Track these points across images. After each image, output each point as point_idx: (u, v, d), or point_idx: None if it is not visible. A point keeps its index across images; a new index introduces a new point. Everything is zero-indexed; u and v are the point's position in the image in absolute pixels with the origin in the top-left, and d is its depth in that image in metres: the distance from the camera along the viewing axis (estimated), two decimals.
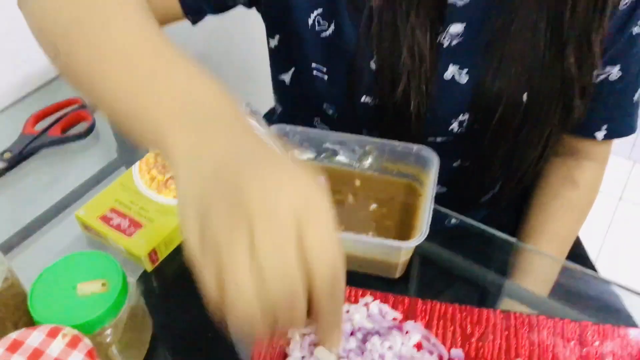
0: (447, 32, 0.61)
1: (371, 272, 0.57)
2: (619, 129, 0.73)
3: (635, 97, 0.71)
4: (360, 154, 0.62)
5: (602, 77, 0.68)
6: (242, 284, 0.33)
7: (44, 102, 0.74)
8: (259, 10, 0.67)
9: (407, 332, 0.51)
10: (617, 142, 0.76)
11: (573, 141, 0.75)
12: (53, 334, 0.41)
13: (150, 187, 0.63)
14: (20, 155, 0.69)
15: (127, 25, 0.44)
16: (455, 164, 0.72)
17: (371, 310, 0.52)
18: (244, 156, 0.36)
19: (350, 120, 0.68)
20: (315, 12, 0.62)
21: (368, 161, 0.62)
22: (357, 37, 0.61)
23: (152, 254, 0.57)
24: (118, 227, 0.59)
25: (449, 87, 0.63)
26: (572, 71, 0.62)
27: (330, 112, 0.69)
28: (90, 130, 0.73)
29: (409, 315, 0.53)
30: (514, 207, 0.83)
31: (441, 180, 0.74)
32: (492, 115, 0.64)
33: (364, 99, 0.64)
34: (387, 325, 0.51)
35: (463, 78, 0.63)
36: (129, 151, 0.71)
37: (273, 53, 0.72)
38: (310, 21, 0.62)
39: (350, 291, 0.54)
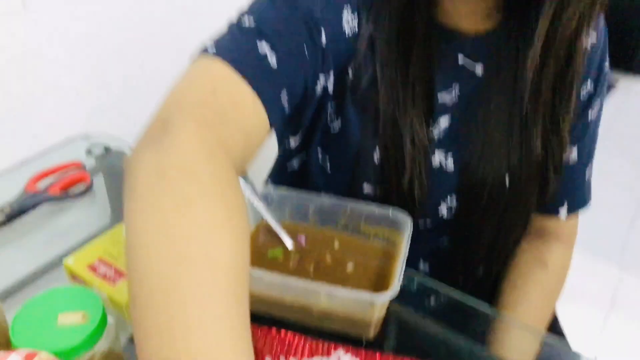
0: (437, 124, 0.67)
1: (347, 330, 0.58)
2: (576, 204, 0.79)
3: (587, 175, 0.78)
4: (339, 217, 0.66)
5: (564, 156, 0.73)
6: None
7: (47, 164, 0.79)
8: None
9: None
10: (606, 248, 0.81)
11: (539, 220, 0.80)
12: (29, 357, 0.42)
13: None
14: (20, 210, 0.73)
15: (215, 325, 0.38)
16: (442, 245, 0.76)
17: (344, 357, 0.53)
18: None
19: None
20: (330, 110, 0.67)
21: (346, 224, 0.66)
22: (361, 132, 0.66)
23: None
24: (104, 276, 0.61)
25: (437, 173, 0.68)
26: (540, 152, 0.68)
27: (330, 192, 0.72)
28: (87, 190, 0.77)
29: None
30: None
31: (426, 258, 0.78)
32: (479, 198, 0.69)
33: (366, 188, 0.69)
34: None
35: (449, 164, 0.69)
36: (121, 211, 0.75)
37: (283, 149, 0.75)
38: (326, 118, 0.68)
39: (324, 344, 0.56)
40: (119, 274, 0.61)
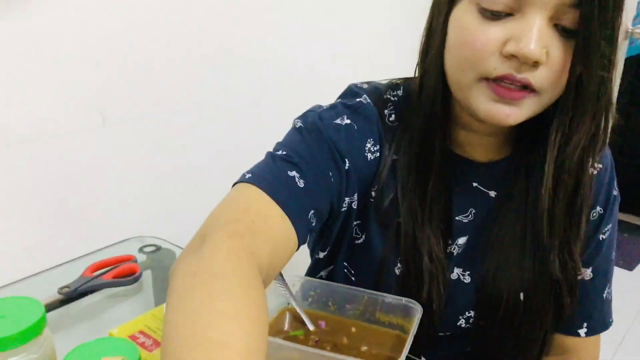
0: (455, 243, 0.75)
1: None
2: (596, 326, 0.81)
3: (604, 295, 0.81)
4: (357, 305, 0.72)
5: (579, 277, 0.77)
6: None
7: (105, 256, 0.90)
8: None
9: None
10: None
11: (561, 340, 0.82)
12: None
13: None
14: (75, 292, 0.82)
15: None
16: (464, 350, 0.79)
17: None
18: None
19: None
20: (354, 223, 0.75)
21: (364, 311, 0.72)
22: (383, 246, 0.74)
23: None
24: (142, 345, 0.68)
25: (455, 287, 0.74)
26: (558, 274, 0.73)
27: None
28: (136, 279, 0.86)
29: None
30: None
31: None
32: (495, 312, 0.74)
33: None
34: None
35: (467, 280, 0.75)
36: (163, 299, 0.83)
37: (318, 256, 0.82)
38: (350, 231, 0.76)
39: None
40: (156, 344, 0.68)
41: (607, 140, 0.70)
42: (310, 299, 0.75)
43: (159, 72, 0.98)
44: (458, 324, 0.76)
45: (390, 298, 0.71)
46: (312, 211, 0.65)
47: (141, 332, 0.70)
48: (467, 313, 0.76)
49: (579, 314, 0.80)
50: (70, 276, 0.84)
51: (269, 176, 0.64)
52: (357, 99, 0.73)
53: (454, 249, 0.75)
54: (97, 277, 0.85)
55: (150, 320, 0.73)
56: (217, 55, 1.06)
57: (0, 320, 0.55)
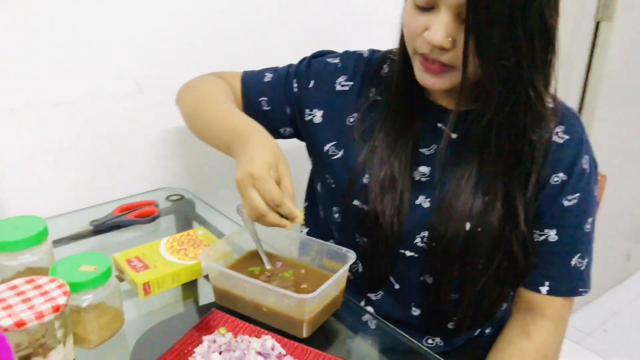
0: (417, 170, 0.88)
1: (286, 329, 0.75)
2: (561, 289, 0.89)
3: (573, 262, 0.87)
4: (310, 252, 0.85)
5: (542, 237, 0.87)
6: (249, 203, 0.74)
7: (131, 201, 1.10)
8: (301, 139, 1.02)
9: None
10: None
11: (524, 294, 0.91)
12: (51, 281, 0.67)
13: (168, 250, 0.90)
14: (104, 226, 1.02)
15: (217, 107, 0.91)
16: (421, 278, 0.90)
17: (265, 343, 0.70)
18: (244, 153, 0.78)
19: (347, 222, 0.93)
20: (329, 144, 0.94)
21: (314, 257, 0.84)
22: (356, 160, 0.90)
23: (146, 286, 0.82)
24: (134, 267, 0.85)
25: (416, 209, 0.87)
26: (495, 222, 0.83)
27: (336, 215, 0.95)
28: (152, 220, 1.05)
29: (293, 354, 0.70)
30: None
31: (414, 302, 0.93)
32: (443, 235, 0.85)
33: (356, 202, 0.90)
34: (268, 353, 0.68)
35: (425, 204, 0.87)
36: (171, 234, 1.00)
37: (312, 167, 1.03)
38: (325, 148, 0.94)
39: (258, 330, 0.73)
40: (145, 267, 0.85)
41: (544, 117, 0.82)
42: (275, 244, 0.88)
43: (187, 45, 1.14)
44: (415, 242, 0.88)
45: (334, 247, 0.83)
46: (265, 98, 1.00)
47: (136, 257, 0.88)
48: (422, 233, 0.87)
49: (541, 271, 0.88)
50: (101, 215, 1.04)
51: (252, 71, 1.04)
52: (360, 51, 0.99)
53: (417, 176, 0.88)
54: (122, 215, 1.04)
55: (148, 250, 0.90)
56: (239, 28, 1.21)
57: (14, 230, 0.74)
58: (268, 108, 1.00)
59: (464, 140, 0.86)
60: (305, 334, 0.74)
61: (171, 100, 1.04)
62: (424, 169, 0.88)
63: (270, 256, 0.87)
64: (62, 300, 0.64)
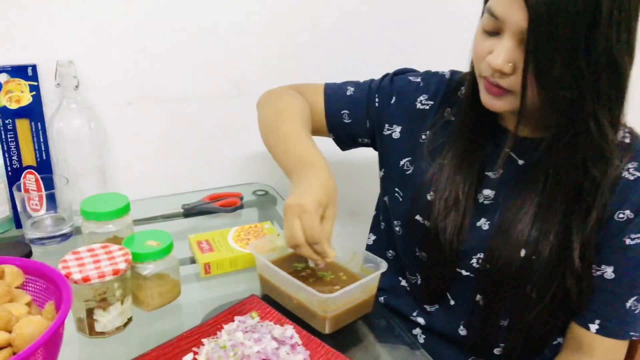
0: (481, 193, 0.90)
1: (310, 322, 0.82)
2: (611, 330, 0.86)
3: (628, 304, 0.84)
4: (350, 256, 0.91)
5: (598, 273, 0.85)
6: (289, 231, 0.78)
7: (221, 191, 1.23)
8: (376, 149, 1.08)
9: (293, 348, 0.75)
10: None
11: (575, 331, 0.89)
12: (120, 249, 0.81)
13: (234, 238, 1.01)
14: (194, 210, 1.17)
15: (291, 129, 0.95)
16: (475, 299, 0.92)
17: (286, 332, 0.78)
18: (301, 183, 0.82)
19: (408, 236, 0.98)
20: (404, 159, 0.99)
21: (352, 261, 0.90)
22: (423, 177, 0.94)
23: (207, 266, 0.94)
24: (202, 248, 0.98)
25: (476, 231, 0.90)
26: (545, 253, 0.83)
27: (397, 229, 1.00)
28: (234, 210, 1.18)
29: (307, 346, 0.77)
30: None
31: (465, 321, 0.96)
32: (498, 258, 0.86)
33: (418, 217, 0.94)
34: (284, 340, 0.76)
35: (485, 226, 0.90)
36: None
37: (381, 180, 1.07)
38: (401, 163, 0.99)
39: (283, 318, 0.81)
40: (210, 249, 0.97)
41: (608, 153, 0.79)
42: None
43: (283, 53, 1.25)
44: (471, 262, 0.90)
45: (370, 256, 0.88)
46: (346, 111, 1.05)
47: (206, 240, 1.01)
48: (479, 254, 0.89)
49: (592, 308, 0.86)
50: (195, 199, 1.19)
51: (334, 84, 1.09)
52: (441, 72, 1.02)
53: (481, 199, 0.90)
54: (210, 203, 1.18)
55: (218, 235, 1.03)
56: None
57: (103, 204, 0.90)
58: (349, 121, 1.05)
59: (530, 167, 0.86)
60: (327, 330, 0.81)
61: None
62: (488, 192, 0.90)
63: None
64: (122, 266, 0.77)
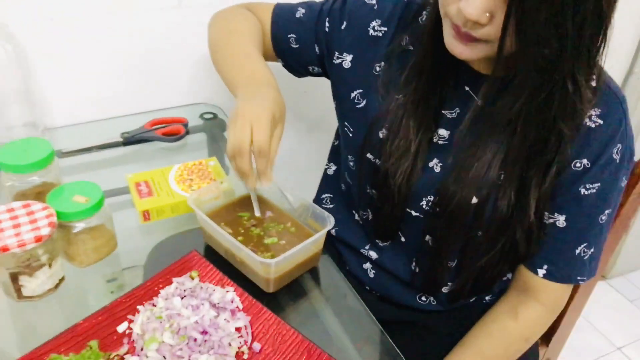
0: (436, 132, 0.84)
1: (254, 280, 0.79)
2: (559, 275, 0.86)
3: (578, 251, 0.84)
4: (299, 207, 0.86)
5: (551, 220, 0.83)
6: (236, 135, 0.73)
7: (163, 115, 1.14)
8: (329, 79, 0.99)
9: (232, 314, 0.72)
10: None
11: (522, 273, 0.89)
12: (43, 208, 0.74)
13: (176, 179, 0.95)
14: (133, 138, 1.08)
15: (241, 47, 0.90)
16: (424, 239, 0.89)
17: (226, 295, 0.75)
18: (254, 97, 0.78)
19: (360, 173, 0.92)
20: (356, 91, 0.91)
21: (301, 214, 0.86)
22: (377, 112, 0.87)
23: (146, 213, 0.89)
24: (140, 192, 0.91)
25: (427, 172, 0.85)
26: (504, 208, 0.79)
27: (351, 164, 0.95)
28: (177, 139, 1.09)
29: (248, 311, 0.74)
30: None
31: (414, 259, 0.94)
32: (448, 204, 0.83)
33: (369, 155, 0.89)
34: (224, 306, 0.73)
35: (437, 168, 0.85)
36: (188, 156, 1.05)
37: (336, 110, 1.00)
38: (352, 95, 0.91)
39: (224, 279, 0.78)
40: (149, 193, 0.91)
41: (581, 110, 0.74)
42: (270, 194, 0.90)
43: None
44: (421, 204, 0.86)
45: (317, 210, 0.83)
46: (294, 35, 0.96)
47: (145, 182, 0.94)
48: (429, 196, 0.85)
49: (542, 254, 0.85)
50: (135, 126, 1.10)
51: (286, 4, 0.98)
52: None
53: (435, 138, 0.84)
54: (151, 130, 1.10)
55: (158, 175, 0.96)
56: None
57: (23, 153, 0.81)
58: (297, 46, 0.96)
59: (490, 109, 0.78)
60: (271, 289, 0.78)
61: (208, 15, 1.04)
62: (443, 132, 0.84)
63: (263, 203, 0.89)
64: (45, 231, 0.71)
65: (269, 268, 0.75)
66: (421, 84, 0.83)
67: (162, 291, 0.75)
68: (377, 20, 0.89)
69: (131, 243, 0.87)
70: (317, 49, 0.95)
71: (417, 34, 0.85)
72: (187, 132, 1.12)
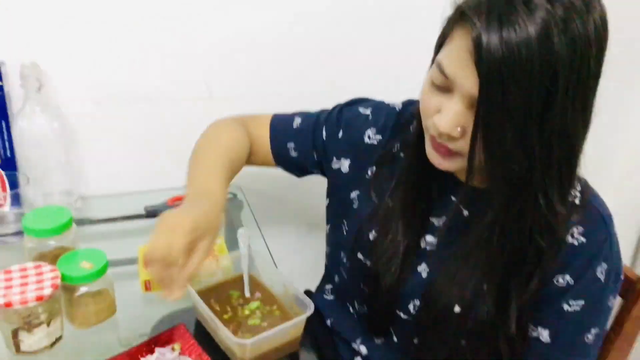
0: (424, 238, 0.88)
1: (229, 356, 0.83)
2: None
3: None
4: (288, 293, 0.91)
5: (534, 334, 0.83)
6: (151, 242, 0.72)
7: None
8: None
9: None
10: None
11: None
12: (52, 270, 0.82)
13: None
14: (156, 212, 1.17)
15: (207, 159, 0.91)
16: (413, 341, 0.90)
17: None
18: (185, 207, 0.77)
19: (353, 270, 0.96)
20: (354, 192, 0.96)
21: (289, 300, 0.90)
22: (367, 213, 0.92)
23: (147, 283, 0.96)
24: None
25: (415, 277, 0.87)
26: (487, 318, 0.80)
27: (344, 260, 0.98)
28: None
29: None
30: None
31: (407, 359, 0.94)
32: (432, 311, 0.85)
33: (359, 255, 0.93)
34: None
35: (424, 274, 0.87)
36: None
37: (329, 209, 1.04)
38: (351, 196, 0.96)
39: (202, 354, 0.82)
40: None
41: (557, 223, 0.74)
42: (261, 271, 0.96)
43: (258, 59, 1.22)
44: (409, 306, 0.88)
45: (300, 296, 0.87)
46: (292, 144, 1.00)
47: None
48: (415, 300, 0.87)
49: None
50: (159, 200, 1.20)
51: (283, 114, 1.03)
52: (393, 104, 0.97)
53: (423, 244, 0.87)
54: (173, 206, 1.18)
55: None
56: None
57: (45, 218, 0.91)
58: (295, 154, 1.01)
59: (475, 219, 0.81)
60: None
61: (238, 107, 1.14)
62: (431, 238, 0.87)
63: (255, 284, 0.94)
64: (47, 291, 0.79)
65: (244, 348, 0.79)
66: (408, 190, 0.87)
67: (143, 358, 0.80)
68: (372, 128, 0.94)
69: (134, 311, 0.93)
70: (315, 155, 1.00)
71: (407, 141, 0.89)
72: None
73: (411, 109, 0.94)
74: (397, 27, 1.29)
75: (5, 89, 1.06)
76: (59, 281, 0.82)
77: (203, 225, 0.73)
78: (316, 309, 0.87)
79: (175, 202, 1.20)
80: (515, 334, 0.80)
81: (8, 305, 0.77)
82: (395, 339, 0.93)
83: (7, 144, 1.08)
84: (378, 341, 0.97)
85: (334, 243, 1.03)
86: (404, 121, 0.93)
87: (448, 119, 0.70)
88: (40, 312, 0.80)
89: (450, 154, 0.75)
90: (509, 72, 0.63)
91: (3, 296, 0.78)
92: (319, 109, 1.03)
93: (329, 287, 1.09)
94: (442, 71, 0.71)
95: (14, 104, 1.09)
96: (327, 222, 1.04)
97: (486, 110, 0.66)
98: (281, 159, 1.03)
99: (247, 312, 0.89)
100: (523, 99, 0.64)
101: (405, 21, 1.28)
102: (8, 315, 0.79)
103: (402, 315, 0.89)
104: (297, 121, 1.01)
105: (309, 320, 0.84)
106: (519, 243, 0.76)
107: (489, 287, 0.80)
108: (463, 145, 0.72)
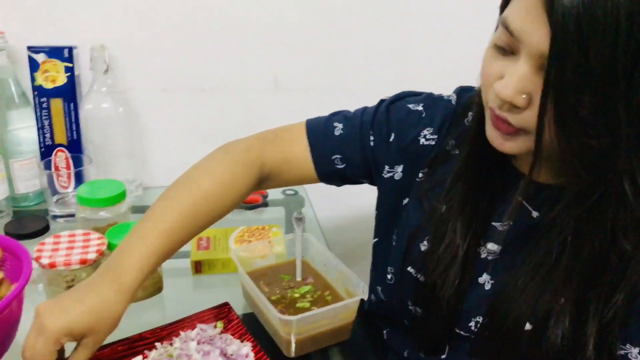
0: (485, 246, 0.76)
1: (274, 338, 0.76)
2: None
3: None
4: (339, 276, 0.83)
5: (622, 352, 0.69)
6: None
7: None
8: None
9: None
10: None
11: None
12: (99, 238, 0.80)
13: (236, 238, 0.98)
14: None
15: (161, 211, 0.74)
16: None
17: (242, 349, 0.72)
18: (75, 292, 0.66)
19: (400, 288, 0.83)
20: (406, 199, 0.84)
21: (339, 280, 0.83)
22: (417, 223, 0.80)
23: (197, 264, 0.92)
24: (199, 245, 0.96)
25: (477, 289, 0.75)
26: (560, 342, 0.67)
27: (389, 276, 0.87)
28: (254, 207, 1.14)
29: None
30: None
31: None
32: (499, 329, 0.73)
33: (410, 269, 0.82)
34: (236, 358, 0.71)
35: (487, 285, 0.76)
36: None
37: (380, 220, 0.92)
38: (404, 203, 0.84)
39: (246, 334, 0.76)
40: (207, 247, 0.95)
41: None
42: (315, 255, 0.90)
43: (324, 49, 1.19)
44: (469, 324, 0.76)
45: (355, 279, 0.80)
46: (338, 155, 0.84)
47: (207, 237, 0.98)
48: (478, 317, 0.75)
49: None
50: None
51: (318, 120, 0.87)
52: (446, 95, 0.83)
53: (483, 252, 0.75)
54: None
55: (221, 233, 0.99)
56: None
57: (100, 189, 0.90)
58: (342, 166, 0.86)
59: (546, 221, 0.68)
60: (292, 354, 0.75)
61: (303, 100, 1.11)
62: (493, 246, 0.74)
63: (308, 269, 0.88)
64: (92, 255, 0.77)
65: (289, 327, 0.72)
66: (465, 187, 0.74)
67: (182, 333, 0.75)
68: (429, 128, 0.82)
69: (182, 293, 0.90)
70: (364, 165, 0.86)
71: (462, 136, 0.78)
72: (266, 204, 1.17)
73: (468, 96, 0.82)
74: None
75: (76, 72, 1.08)
76: (104, 248, 0.79)
77: (85, 325, 0.64)
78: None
79: None
80: (592, 357, 0.66)
81: (52, 265, 0.75)
82: (443, 356, 0.81)
83: (74, 125, 1.10)
84: None
85: (381, 258, 0.90)
86: (458, 114, 0.80)
87: (512, 83, 0.59)
88: (84, 277, 0.77)
89: (512, 131, 0.62)
90: (589, 21, 0.52)
91: (49, 257, 0.76)
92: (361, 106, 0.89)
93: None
94: (506, 27, 0.60)
95: (84, 89, 1.11)
96: (375, 236, 0.92)
97: (559, 70, 0.54)
98: (328, 175, 0.87)
99: (297, 295, 0.83)
100: (606, 56, 0.52)
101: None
102: (52, 277, 0.77)
103: (462, 333, 0.77)
104: (339, 127, 0.86)
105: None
106: (598, 246, 0.63)
107: (564, 302, 0.66)
108: (529, 118, 0.60)
